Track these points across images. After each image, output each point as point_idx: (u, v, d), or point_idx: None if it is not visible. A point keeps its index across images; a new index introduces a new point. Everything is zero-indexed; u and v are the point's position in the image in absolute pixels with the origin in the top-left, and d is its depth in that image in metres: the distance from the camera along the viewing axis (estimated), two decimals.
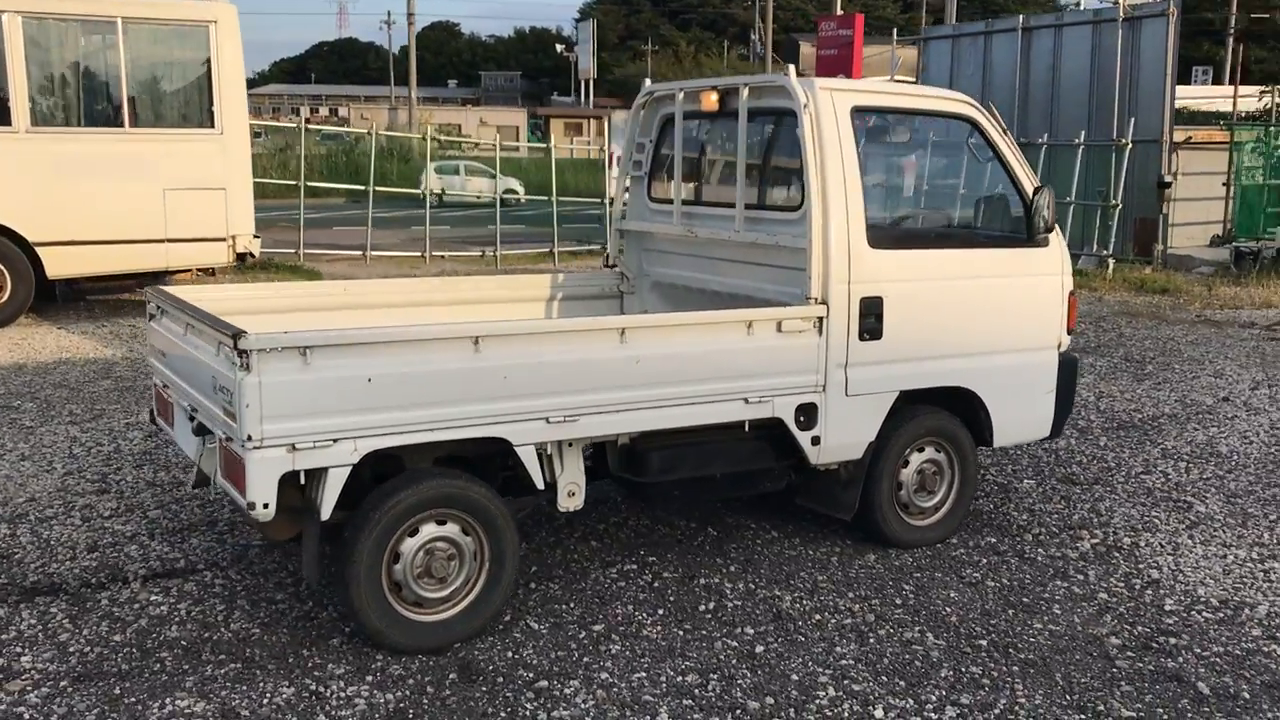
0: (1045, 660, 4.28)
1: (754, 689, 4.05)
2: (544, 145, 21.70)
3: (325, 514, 4.05)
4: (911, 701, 3.96)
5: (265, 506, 3.95)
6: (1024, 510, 6.03)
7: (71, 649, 4.34)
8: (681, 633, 4.50)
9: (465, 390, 4.22)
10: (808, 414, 4.97)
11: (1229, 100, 23.85)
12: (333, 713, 3.86)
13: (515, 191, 31.98)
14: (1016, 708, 3.93)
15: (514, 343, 4.32)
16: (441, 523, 4.29)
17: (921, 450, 5.41)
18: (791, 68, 5.16)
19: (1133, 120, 16.07)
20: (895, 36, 22.31)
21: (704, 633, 4.50)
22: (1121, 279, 15.19)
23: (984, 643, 4.44)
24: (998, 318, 5.50)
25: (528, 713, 3.88)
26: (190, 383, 4.49)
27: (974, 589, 4.96)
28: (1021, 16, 17.98)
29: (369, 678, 4.12)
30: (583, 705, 3.93)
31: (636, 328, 4.55)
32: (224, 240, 12.27)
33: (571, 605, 4.74)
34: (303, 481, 4.04)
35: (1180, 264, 16.48)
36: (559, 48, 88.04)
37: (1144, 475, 6.65)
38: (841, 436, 5.09)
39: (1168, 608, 4.78)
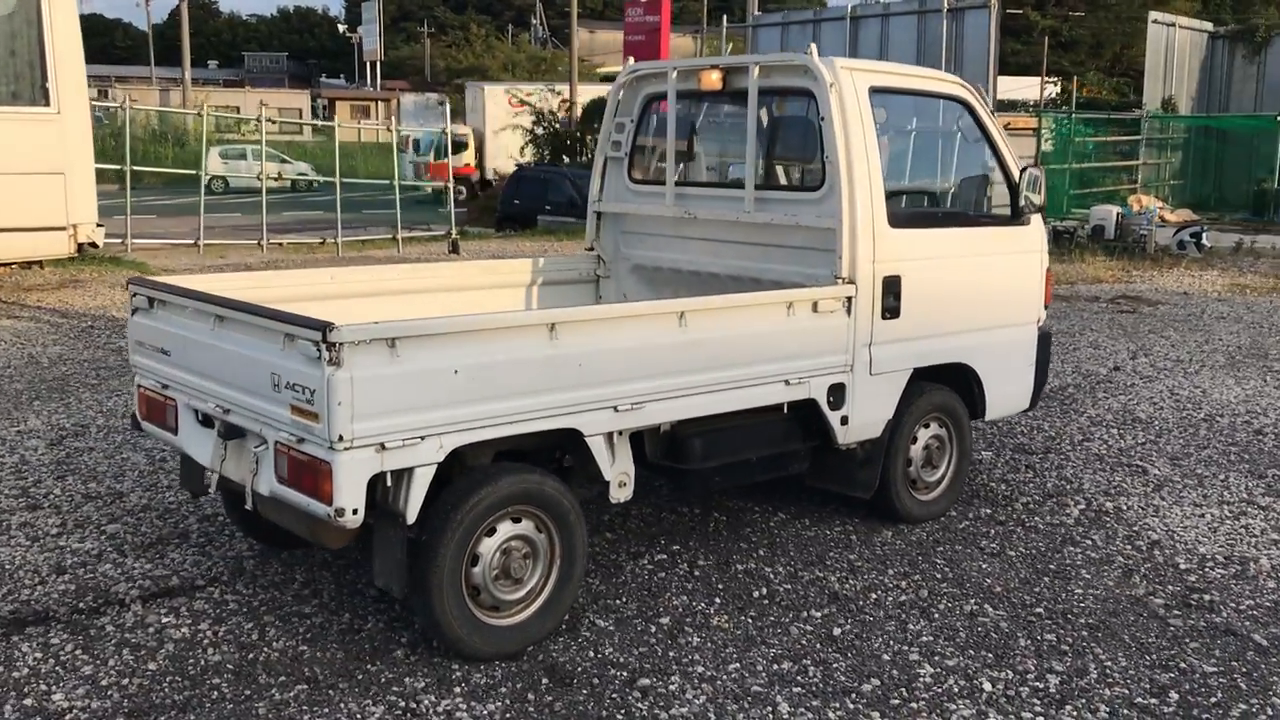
0: (1106, 624, 4.42)
1: (854, 671, 4.02)
2: (331, 124, 21.04)
3: (411, 517, 3.77)
4: (1010, 673, 4.02)
5: (355, 512, 3.65)
6: (998, 481, 6.22)
7: (104, 682, 3.90)
8: (750, 620, 4.42)
9: (544, 380, 4.02)
10: (837, 394, 4.98)
11: (1035, 90, 25.37)
12: None
13: (306, 175, 30.99)
14: (1108, 672, 4.04)
15: (588, 329, 4.14)
16: (517, 520, 4.07)
17: (928, 426, 5.51)
18: (813, 46, 5.13)
19: None
20: (725, 24, 22.68)
21: (772, 618, 4.44)
22: None
23: (1040, 610, 4.55)
24: (992, 295, 5.66)
25: (643, 712, 3.73)
26: (221, 380, 4.10)
27: (999, 559, 5.09)
28: (850, 5, 18.55)
29: (456, 689, 3.87)
30: (697, 701, 3.81)
31: (695, 310, 4.44)
32: (64, 229, 11.33)
33: (624, 599, 4.59)
34: (388, 483, 3.75)
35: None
36: (341, 28, 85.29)
37: (1086, 443, 6.98)
38: (866, 415, 5.11)
39: (1183, 566, 5.02)
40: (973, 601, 4.61)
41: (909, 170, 6.38)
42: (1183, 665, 4.10)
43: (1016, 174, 5.65)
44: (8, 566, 4.89)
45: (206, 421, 4.34)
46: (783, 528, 5.42)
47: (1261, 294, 13.50)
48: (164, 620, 4.38)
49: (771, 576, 4.85)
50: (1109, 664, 4.10)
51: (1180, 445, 6.93)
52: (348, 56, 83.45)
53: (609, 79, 25.00)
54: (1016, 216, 5.69)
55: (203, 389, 4.22)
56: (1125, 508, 5.78)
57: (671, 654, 4.14)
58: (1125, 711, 3.77)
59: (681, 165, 5.89)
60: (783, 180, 5.61)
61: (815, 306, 4.84)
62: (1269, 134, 19.79)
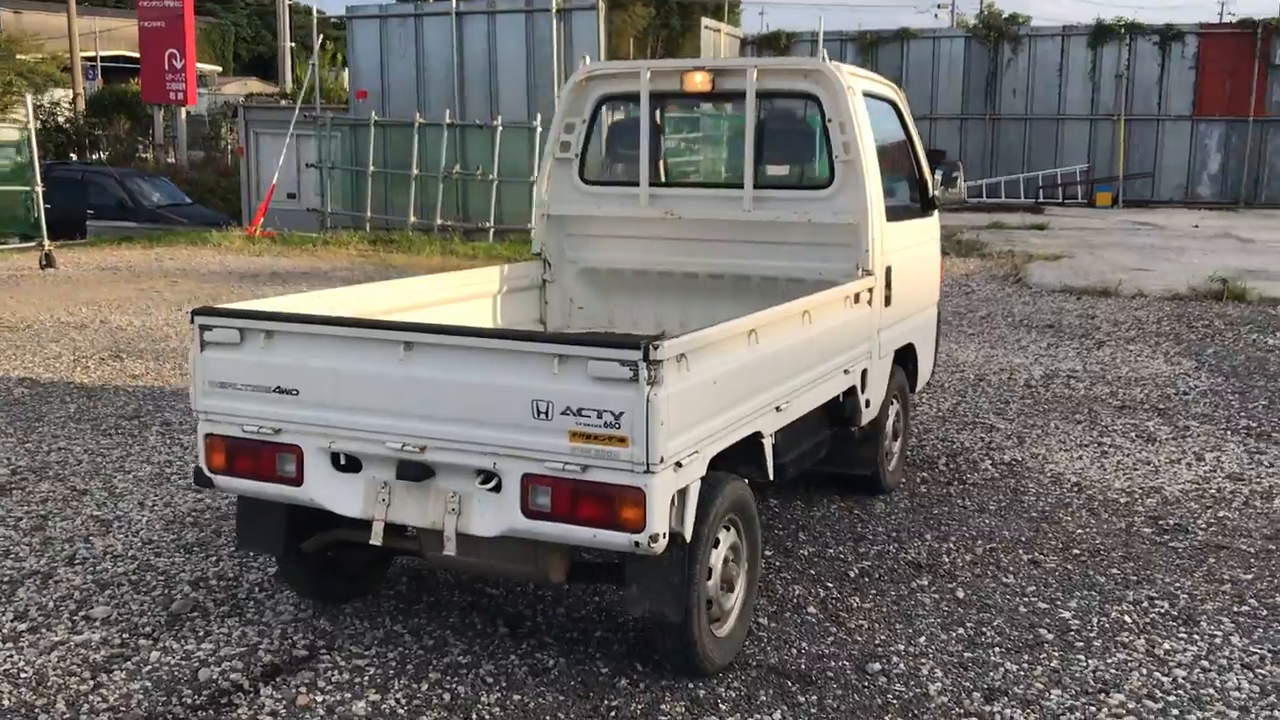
0: (1140, 556, 5.18)
1: (1030, 626, 4.43)
2: None
3: (689, 535, 3.63)
4: (1129, 604, 4.63)
5: (664, 537, 3.47)
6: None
7: None
8: (874, 596, 4.68)
9: (756, 383, 4.03)
10: (864, 380, 5.34)
11: None
12: None
13: None
14: (1177, 590, 4.78)
15: (777, 330, 4.18)
16: (728, 529, 4.04)
17: (892, 404, 6.02)
18: (825, 51, 5.40)
19: None
20: (315, 15, 21.52)
21: (899, 591, 4.73)
22: None
23: (1077, 551, 5.22)
24: (924, 279, 6.27)
25: (905, 694, 3.90)
26: (415, 415, 3.66)
27: (989, 515, 5.71)
28: (454, 1, 18.54)
29: (721, 705, 3.80)
30: (937, 672, 4.03)
31: (815, 306, 4.60)
32: None
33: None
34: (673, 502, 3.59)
35: None
36: None
37: (919, 405, 7.86)
38: (875, 396, 5.52)
39: (1123, 501, 5.94)
40: (1021, 554, 5.18)
41: None
42: (1221, 574, 4.93)
43: (928, 169, 6.29)
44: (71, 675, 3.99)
45: (351, 465, 3.84)
46: (784, 510, 5.68)
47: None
48: (316, 699, 3.83)
49: (841, 555, 5.12)
50: (1168, 580, 4.84)
51: (994, 402, 8.01)
52: None
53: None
54: (928, 208, 6.34)
55: (370, 429, 3.73)
56: (1021, 459, 6.65)
57: (858, 637, 4.31)
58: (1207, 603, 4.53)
59: (660, 166, 5.91)
60: (780, 179, 5.83)
61: (857, 298, 5.17)
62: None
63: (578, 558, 3.95)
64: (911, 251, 5.99)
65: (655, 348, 3.34)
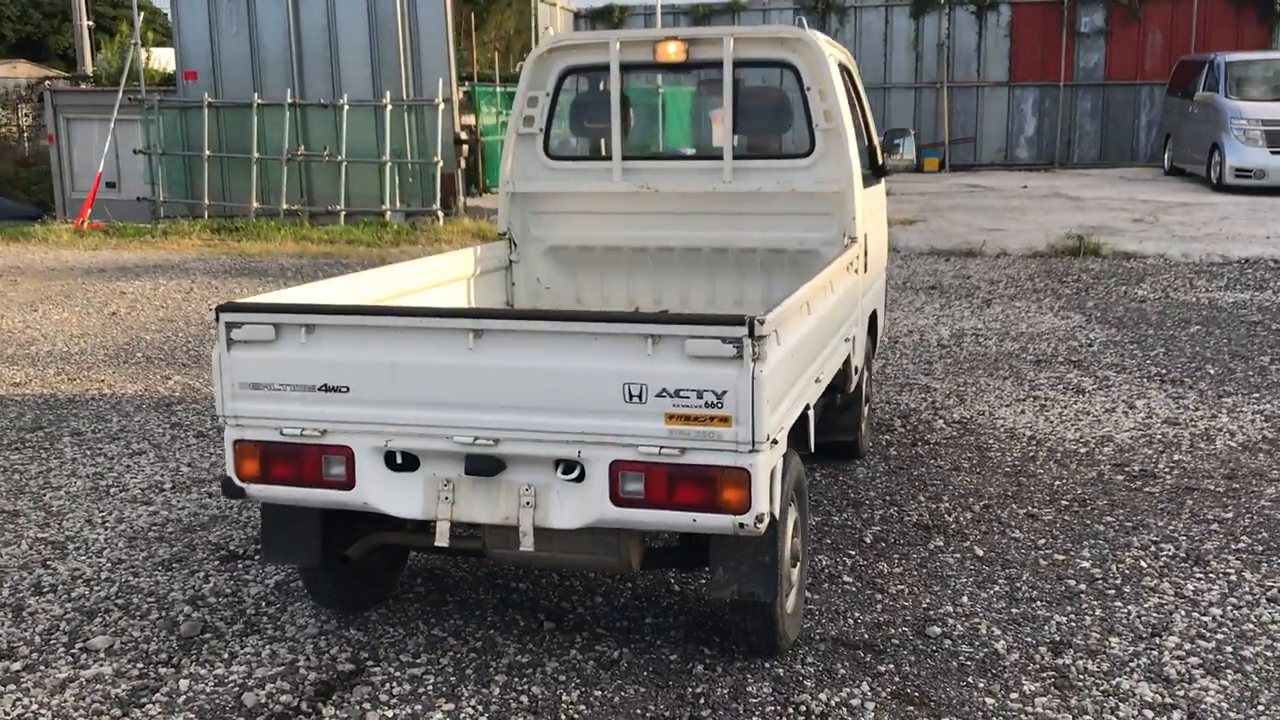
0: (1125, 503, 5.37)
1: (1058, 578, 4.54)
2: None
3: (778, 513, 3.55)
4: (1137, 549, 4.80)
5: (768, 517, 3.39)
6: None
7: None
8: (896, 559, 4.72)
9: (809, 356, 3.99)
10: (853, 346, 5.37)
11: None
12: None
13: None
14: (1174, 533, 4.99)
15: (819, 300, 4.15)
16: (792, 503, 3.98)
17: (868, 369, 6.07)
18: (804, 20, 5.35)
19: (440, 81, 17.11)
20: None
21: (920, 554, 4.78)
22: (460, 229, 16.24)
23: (1065, 502, 5.38)
24: (881, 244, 6.35)
25: (975, 655, 3.94)
26: (487, 406, 3.46)
27: (966, 473, 5.83)
28: None
29: (806, 684, 3.75)
30: (995, 630, 4.09)
31: (836, 275, 4.58)
32: None
33: None
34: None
35: (480, 213, 18.03)
36: None
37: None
38: (859, 362, 5.56)
39: (1082, 451, 6.16)
40: (1037, 508, 5.31)
41: None
42: (1206, 515, 5.18)
43: (878, 136, 6.35)
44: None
45: (407, 464, 3.62)
46: None
47: None
48: (386, 714, 3.60)
49: (852, 522, 5.15)
50: (1158, 522, 5.06)
51: (917, 363, 8.19)
52: None
53: None
54: (878, 174, 6.40)
55: (434, 423, 3.52)
56: (970, 416, 6.83)
57: (904, 602, 4.34)
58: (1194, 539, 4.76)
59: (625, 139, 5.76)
60: (760, 149, 5.76)
61: (850, 266, 5.18)
62: (653, 104, 22.63)
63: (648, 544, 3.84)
64: (875, 218, 6.05)
65: (761, 323, 3.24)
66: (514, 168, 5.74)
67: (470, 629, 4.17)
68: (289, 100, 17.56)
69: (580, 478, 3.48)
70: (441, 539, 3.62)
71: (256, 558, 4.86)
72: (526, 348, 3.45)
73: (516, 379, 3.45)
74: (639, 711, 3.60)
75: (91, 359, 8.66)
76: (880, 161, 6.34)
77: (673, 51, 5.44)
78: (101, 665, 3.95)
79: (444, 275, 5.18)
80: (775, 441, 3.43)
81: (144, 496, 5.66)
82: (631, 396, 3.35)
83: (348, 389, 3.58)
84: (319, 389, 3.60)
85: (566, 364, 3.41)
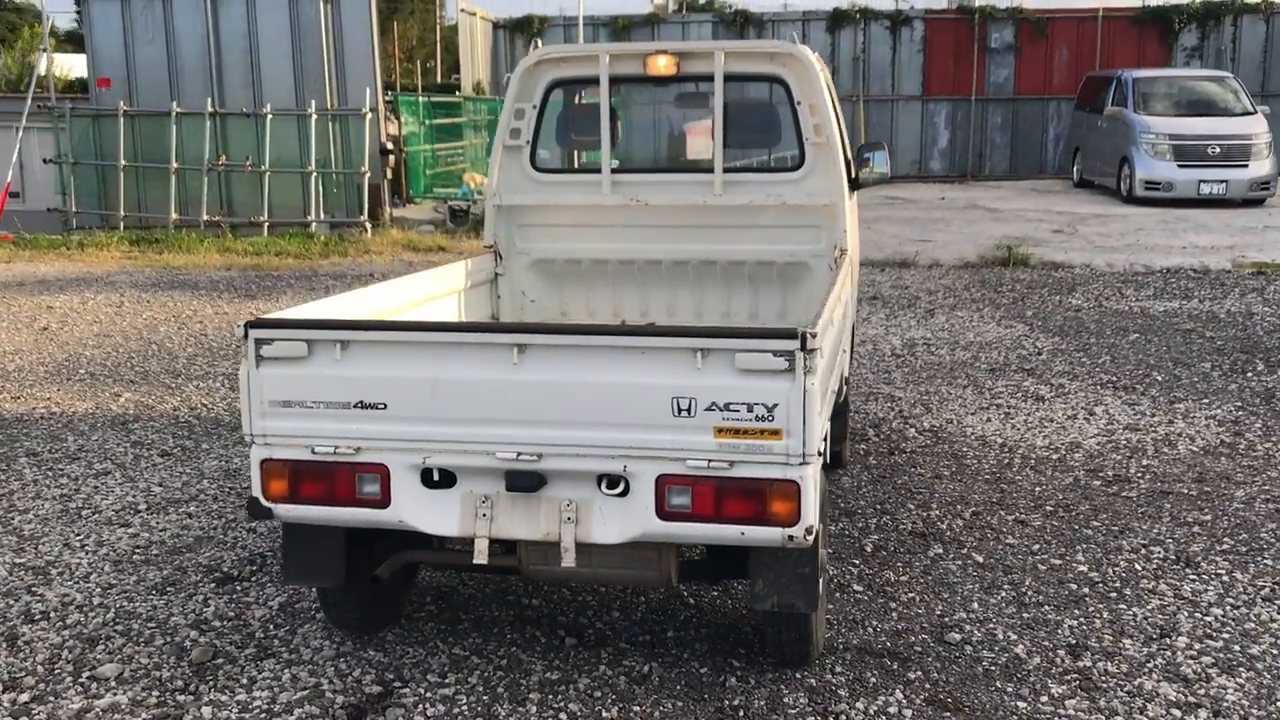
0: (1106, 507, 5.53)
1: (1059, 582, 4.65)
2: None
3: (817, 524, 3.58)
4: (1129, 553, 4.94)
5: (817, 528, 3.42)
6: None
7: None
8: (910, 565, 4.79)
9: (830, 367, 4.02)
10: (846, 356, 5.44)
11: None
12: None
13: None
14: (1160, 536, 5.15)
15: (838, 311, 4.20)
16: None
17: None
18: (794, 34, 5.40)
19: (367, 91, 16.88)
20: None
21: (922, 562, 4.85)
22: (390, 241, 16.04)
23: (1050, 508, 5.51)
24: (856, 257, 6.43)
25: (996, 660, 4.02)
26: (529, 422, 3.44)
27: (948, 480, 5.94)
28: None
29: (841, 693, 3.79)
30: (1011, 635, 4.17)
31: (844, 284, 4.65)
32: None
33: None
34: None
35: (406, 224, 17.82)
36: None
37: None
38: (847, 372, 5.64)
39: (1054, 457, 6.32)
40: (1001, 512, 5.43)
41: None
42: (1187, 519, 5.35)
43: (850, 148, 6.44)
44: None
45: (444, 480, 3.58)
46: None
47: None
48: None
49: (850, 531, 5.21)
50: (1142, 525, 5.22)
51: (876, 372, 8.31)
52: None
53: None
54: (854, 187, 6.48)
55: (475, 440, 3.48)
56: (940, 424, 6.95)
57: (918, 610, 4.40)
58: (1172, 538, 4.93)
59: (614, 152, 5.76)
60: (750, 163, 5.79)
61: (851, 277, 5.25)
62: None
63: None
64: (854, 230, 6.13)
65: (812, 335, 3.27)
66: (500, 180, 5.70)
67: (491, 647, 4.12)
68: (209, 109, 17.17)
69: (624, 492, 3.47)
70: (480, 556, 3.57)
71: (254, 579, 4.74)
72: (572, 362, 3.43)
73: (561, 394, 3.43)
74: None
75: (32, 376, 8.35)
76: (854, 175, 6.43)
77: (663, 65, 5.46)
78: (115, 694, 3.82)
79: (437, 289, 5.12)
80: (820, 454, 3.47)
81: (119, 518, 5.48)
82: (680, 410, 3.35)
83: (385, 406, 3.52)
84: (354, 406, 3.53)
85: (613, 378, 3.40)
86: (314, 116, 16.88)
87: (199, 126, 17.23)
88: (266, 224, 16.95)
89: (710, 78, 5.43)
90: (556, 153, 6.15)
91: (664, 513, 3.43)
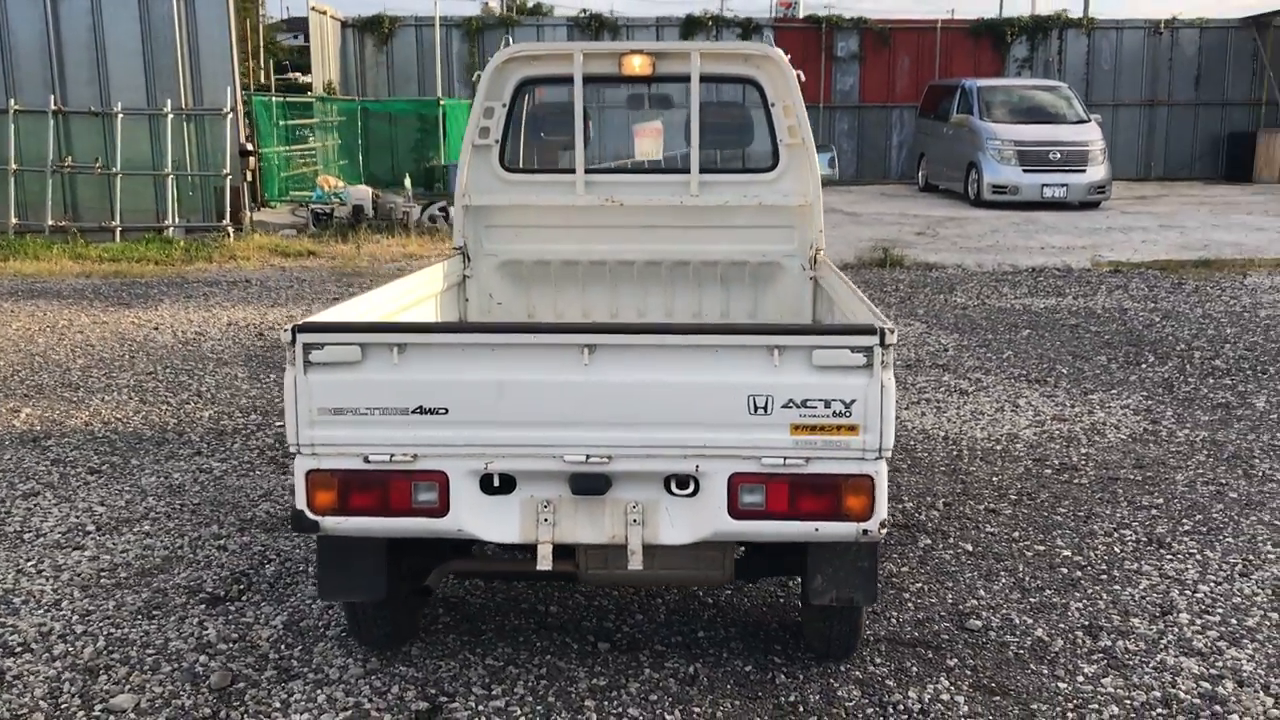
0: (1066, 494, 5.76)
1: (1051, 567, 4.82)
2: None
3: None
4: (1104, 537, 5.16)
5: (889, 522, 3.47)
6: None
7: None
8: (906, 557, 4.90)
9: None
10: None
11: None
12: None
13: None
14: (1126, 520, 5.40)
15: None
16: None
17: None
18: (770, 34, 5.44)
19: (228, 90, 16.22)
20: None
21: (916, 553, 4.96)
22: (255, 246, 15.41)
23: (1014, 497, 5.72)
24: None
25: (1067, 642, 4.15)
26: (598, 423, 3.38)
27: (909, 473, 6.09)
28: None
29: (889, 683, 3.85)
30: (1026, 617, 4.31)
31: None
32: None
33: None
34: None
35: (266, 228, 17.19)
36: None
37: None
38: None
39: (999, 449, 6.56)
40: (971, 502, 5.61)
41: None
42: (1127, 499, 5.64)
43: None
44: None
45: (504, 485, 3.49)
46: None
47: None
48: None
49: None
50: (1105, 510, 5.47)
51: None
52: None
53: None
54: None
55: (541, 443, 3.40)
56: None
57: (930, 599, 4.50)
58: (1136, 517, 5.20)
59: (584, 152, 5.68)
60: (723, 164, 5.79)
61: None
62: (433, 117, 22.16)
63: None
64: None
65: (890, 331, 3.32)
66: (470, 180, 5.57)
67: (524, 656, 4.02)
68: (51, 107, 16.21)
69: (694, 492, 3.44)
70: (545, 563, 3.48)
71: (244, 598, 4.50)
72: (645, 362, 3.38)
73: (633, 394, 3.38)
74: None
75: None
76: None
77: (638, 65, 5.44)
78: None
79: (421, 292, 4.97)
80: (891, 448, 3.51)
81: (69, 540, 5.12)
82: (757, 408, 3.35)
83: (446, 411, 3.40)
84: (413, 412, 3.40)
85: (687, 378, 3.36)
86: (170, 116, 16.13)
87: (40, 125, 16.28)
88: (118, 229, 16.11)
89: (685, 78, 5.43)
90: (545, 152, 6.05)
91: (736, 511, 3.42)
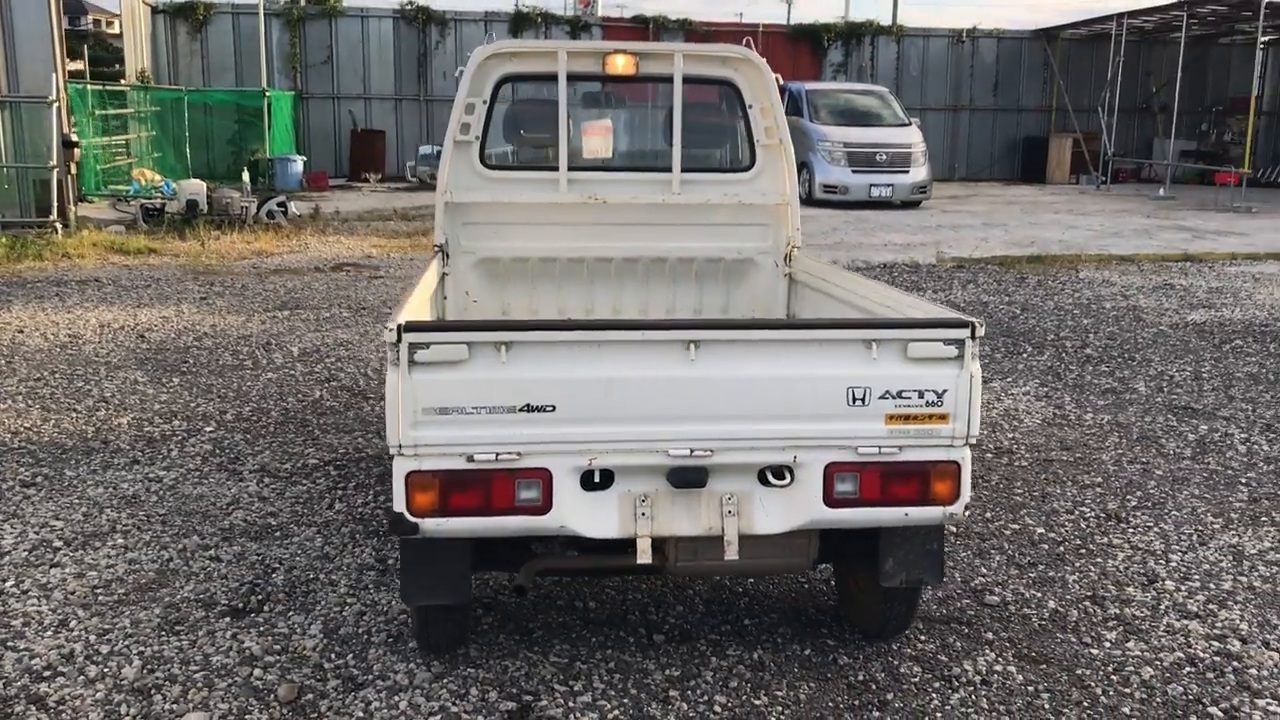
0: (1015, 476, 6.14)
1: (1033, 544, 5.15)
2: None
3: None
4: (1066, 516, 5.54)
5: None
6: None
7: None
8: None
9: None
10: None
11: None
12: None
13: None
14: (1079, 499, 5.81)
15: None
16: None
17: None
18: (750, 39, 5.57)
19: (54, 78, 15.22)
20: None
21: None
22: (88, 243, 14.53)
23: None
24: None
25: (1080, 612, 4.44)
26: (703, 417, 3.46)
27: None
28: None
29: (942, 658, 4.06)
30: (1042, 599, 4.61)
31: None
32: None
33: None
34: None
35: (92, 224, 16.21)
36: None
37: None
38: None
39: None
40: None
41: None
42: (1076, 479, 6.07)
43: None
44: None
45: (603, 481, 3.52)
46: None
47: (401, 251, 15.16)
48: None
49: None
50: (1055, 490, 5.88)
51: None
52: None
53: None
54: None
55: (646, 438, 3.46)
56: None
57: (945, 580, 4.73)
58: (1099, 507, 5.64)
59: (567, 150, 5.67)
60: (701, 163, 5.86)
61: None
62: (256, 108, 21.30)
63: None
64: None
65: (980, 324, 3.51)
66: (450, 177, 5.50)
67: (583, 652, 4.04)
68: None
69: (790, 482, 3.56)
70: (644, 556, 3.53)
71: (265, 609, 4.34)
72: (747, 357, 3.47)
73: (735, 388, 3.46)
74: (831, 704, 3.73)
75: None
76: None
77: (622, 65, 5.49)
78: None
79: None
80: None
81: (40, 558, 4.81)
82: (855, 399, 3.49)
83: (553, 408, 3.40)
84: (521, 410, 3.38)
85: (789, 371, 3.47)
86: (56, 103, 15.01)
87: None
88: None
89: (667, 79, 5.52)
90: (526, 150, 6.01)
91: (831, 500, 3.55)
